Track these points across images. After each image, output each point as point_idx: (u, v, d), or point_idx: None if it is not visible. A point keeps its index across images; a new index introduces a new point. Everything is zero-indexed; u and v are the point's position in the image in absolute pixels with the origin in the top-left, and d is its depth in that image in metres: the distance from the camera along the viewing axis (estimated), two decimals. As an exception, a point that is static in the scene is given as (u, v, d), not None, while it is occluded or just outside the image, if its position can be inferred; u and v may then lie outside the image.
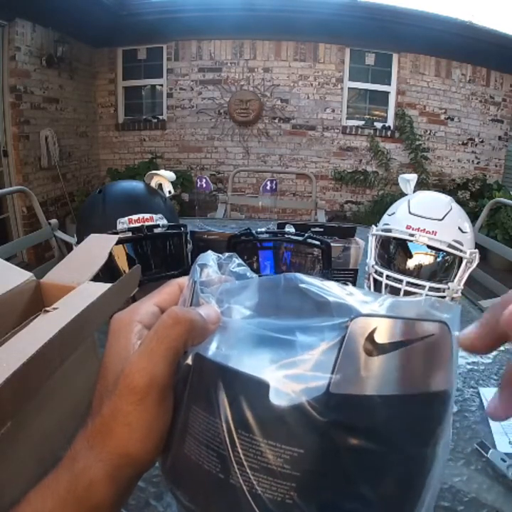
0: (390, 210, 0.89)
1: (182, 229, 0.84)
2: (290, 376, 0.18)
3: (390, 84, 4.54)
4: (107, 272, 0.70)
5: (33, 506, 0.21)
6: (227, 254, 0.26)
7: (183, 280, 0.27)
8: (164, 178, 0.94)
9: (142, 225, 0.78)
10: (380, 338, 0.17)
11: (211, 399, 0.19)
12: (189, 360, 0.21)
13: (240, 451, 0.18)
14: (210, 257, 0.25)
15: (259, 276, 0.25)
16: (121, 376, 0.21)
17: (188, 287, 0.25)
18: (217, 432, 0.19)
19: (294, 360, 0.18)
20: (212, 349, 0.21)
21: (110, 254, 0.51)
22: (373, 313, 0.18)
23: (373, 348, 0.17)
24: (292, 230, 0.86)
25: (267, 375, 0.18)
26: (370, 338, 0.17)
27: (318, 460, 0.18)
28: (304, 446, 0.18)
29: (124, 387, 0.21)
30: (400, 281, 0.78)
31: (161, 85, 4.61)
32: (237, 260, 0.26)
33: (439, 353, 0.19)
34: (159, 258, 0.86)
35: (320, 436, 0.18)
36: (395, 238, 0.83)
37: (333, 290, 0.20)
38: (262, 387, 0.18)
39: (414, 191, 0.92)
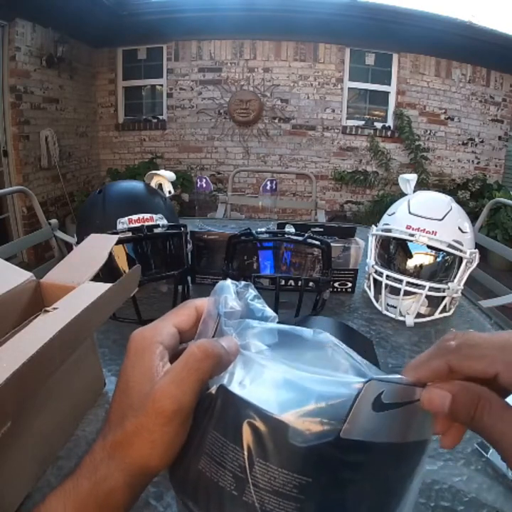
0: (390, 210, 0.89)
1: (182, 229, 0.84)
2: (308, 421, 0.21)
3: (389, 84, 4.54)
4: (107, 272, 0.70)
5: (54, 509, 0.23)
6: (243, 283, 0.29)
7: (200, 302, 0.28)
8: (164, 178, 0.94)
9: (142, 225, 0.78)
10: (386, 398, 0.22)
11: (233, 428, 0.22)
12: (212, 390, 0.24)
13: (256, 475, 0.22)
14: (229, 287, 0.28)
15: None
16: (150, 399, 0.23)
17: (211, 316, 0.27)
18: (237, 457, 0.22)
19: (312, 407, 0.22)
20: (235, 382, 0.24)
21: (110, 254, 0.51)
22: (384, 378, 0.22)
23: (380, 406, 0.21)
24: (292, 230, 0.86)
25: (289, 417, 0.22)
26: (379, 397, 0.21)
27: (321, 488, 0.21)
28: (312, 477, 0.21)
29: (152, 409, 0.23)
30: (400, 281, 0.78)
31: (161, 85, 4.61)
32: (254, 292, 0.28)
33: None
34: (159, 258, 0.86)
35: (326, 470, 0.21)
36: (395, 238, 0.83)
37: (356, 357, 0.24)
38: (283, 427, 0.21)
39: (414, 191, 0.92)
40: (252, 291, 0.28)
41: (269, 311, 0.28)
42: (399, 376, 0.23)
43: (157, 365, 0.25)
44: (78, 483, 0.23)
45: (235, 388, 0.23)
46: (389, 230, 0.84)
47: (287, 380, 0.23)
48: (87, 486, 0.23)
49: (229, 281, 0.28)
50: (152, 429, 0.23)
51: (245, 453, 0.22)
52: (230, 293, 0.27)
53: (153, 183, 0.94)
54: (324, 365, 0.24)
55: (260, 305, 0.28)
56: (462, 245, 0.79)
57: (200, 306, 0.28)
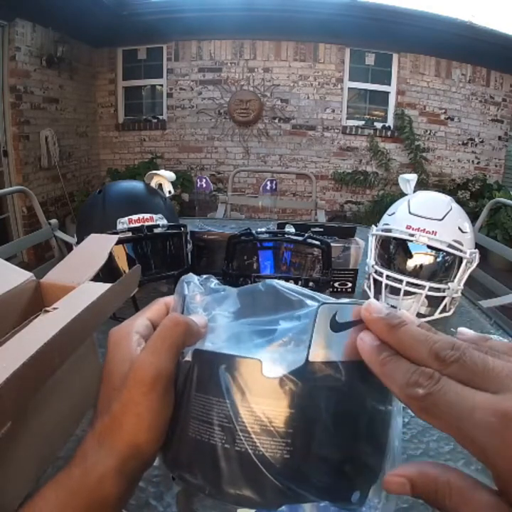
0: (390, 210, 0.89)
1: (182, 229, 0.84)
2: (277, 353, 0.23)
3: (389, 84, 4.54)
4: (107, 272, 0.70)
5: (46, 499, 0.23)
6: (205, 276, 0.31)
7: (169, 299, 0.30)
8: (164, 178, 0.94)
9: (142, 225, 0.78)
10: (340, 318, 0.23)
11: (213, 383, 0.23)
12: (187, 357, 0.25)
13: (243, 419, 0.22)
14: (192, 276, 0.30)
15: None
16: (130, 372, 0.24)
17: (178, 301, 0.29)
18: (221, 409, 0.23)
19: (279, 342, 0.23)
20: (208, 345, 0.25)
21: (110, 254, 0.51)
22: (332, 301, 0.24)
23: (337, 325, 0.23)
24: (292, 230, 0.86)
25: (259, 354, 0.23)
26: (333, 318, 0.23)
27: (305, 417, 0.22)
28: (294, 407, 0.22)
29: (133, 380, 0.23)
30: (400, 281, 0.78)
31: (161, 85, 4.62)
32: (215, 280, 0.30)
33: None
34: (159, 258, 0.86)
35: (304, 397, 0.22)
36: (395, 238, 0.83)
37: (304, 291, 0.26)
38: (256, 364, 0.22)
39: (414, 191, 0.92)
40: (213, 280, 0.30)
41: (229, 288, 0.30)
42: (347, 299, 0.24)
43: (135, 349, 0.26)
44: (70, 473, 0.23)
45: (208, 348, 0.25)
46: (389, 230, 0.84)
47: (253, 330, 0.25)
48: (77, 474, 0.23)
49: (191, 273, 0.31)
50: (136, 401, 0.23)
51: (228, 401, 0.22)
52: (193, 280, 0.29)
53: (153, 183, 0.94)
54: (283, 307, 0.25)
55: (222, 288, 0.30)
56: (462, 245, 0.79)
57: (169, 302, 0.30)
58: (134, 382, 0.23)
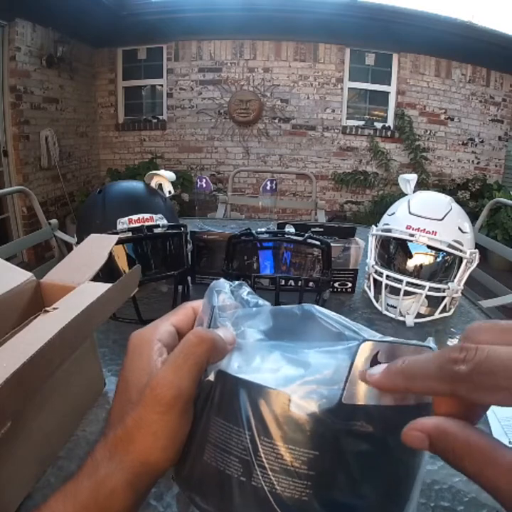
0: (389, 210, 0.89)
1: (182, 229, 0.84)
2: (308, 390, 0.21)
3: (389, 84, 4.54)
4: (107, 272, 0.70)
5: (53, 510, 0.22)
6: (237, 282, 0.29)
7: (197, 303, 0.29)
8: (164, 178, 0.94)
9: (142, 225, 0.78)
10: (382, 359, 0.21)
11: (234, 410, 0.22)
12: (210, 377, 0.24)
13: (262, 455, 0.21)
14: (224, 283, 0.28)
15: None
16: (147, 388, 0.23)
17: (206, 311, 0.27)
18: (240, 440, 0.21)
19: (312, 377, 0.21)
20: (233, 367, 0.23)
21: (110, 254, 0.51)
22: (377, 338, 0.22)
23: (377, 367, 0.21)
24: (292, 230, 0.86)
25: (288, 388, 0.21)
26: (375, 358, 0.21)
27: (330, 461, 0.20)
28: (319, 449, 0.20)
29: (150, 398, 0.22)
30: (400, 281, 0.78)
31: (161, 85, 4.61)
32: (247, 288, 0.29)
33: None
34: (159, 258, 0.86)
35: (332, 440, 0.20)
36: (395, 238, 0.83)
37: (344, 322, 0.24)
38: (284, 399, 0.21)
39: (414, 191, 0.92)
40: (246, 288, 0.28)
41: (263, 301, 0.28)
42: (392, 338, 0.22)
43: (155, 359, 0.25)
44: (79, 484, 0.22)
45: (232, 371, 0.23)
46: (389, 230, 0.84)
47: (283, 357, 0.23)
48: (87, 486, 0.22)
49: (223, 279, 0.29)
50: (152, 420, 0.22)
51: (247, 433, 0.21)
52: (224, 289, 0.28)
53: (153, 183, 0.94)
54: (318, 336, 0.24)
55: (254, 298, 0.28)
56: (462, 245, 0.79)
57: (197, 307, 0.29)
58: (151, 400, 0.22)
